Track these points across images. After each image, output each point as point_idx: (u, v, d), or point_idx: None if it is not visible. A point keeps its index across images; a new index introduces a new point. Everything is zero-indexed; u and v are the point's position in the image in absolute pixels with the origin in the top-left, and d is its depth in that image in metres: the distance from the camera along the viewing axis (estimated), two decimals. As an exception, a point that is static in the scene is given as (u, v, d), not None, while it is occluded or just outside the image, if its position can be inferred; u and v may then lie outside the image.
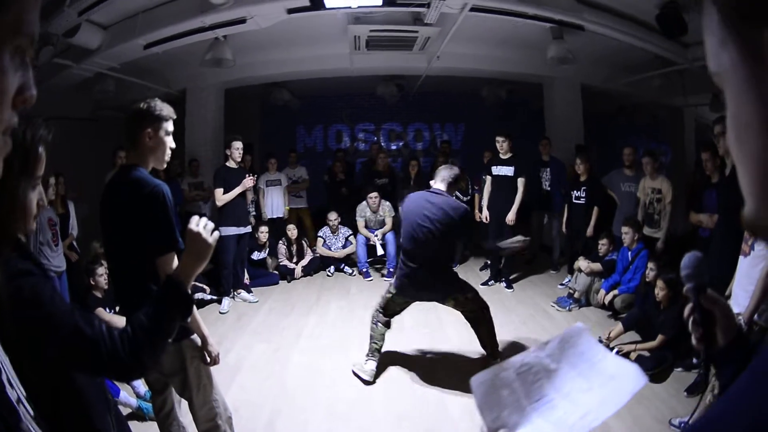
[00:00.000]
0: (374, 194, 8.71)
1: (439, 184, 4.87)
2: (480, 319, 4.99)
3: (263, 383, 4.90)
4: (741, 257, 3.61)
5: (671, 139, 12.65)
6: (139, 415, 4.25)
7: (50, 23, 5.81)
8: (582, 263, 7.11)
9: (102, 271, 5.58)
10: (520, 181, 7.46)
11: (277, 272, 8.60)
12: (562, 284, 7.93)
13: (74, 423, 1.49)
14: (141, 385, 4.35)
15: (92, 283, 5.59)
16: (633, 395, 1.34)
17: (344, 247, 9.05)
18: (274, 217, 9.25)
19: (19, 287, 1.35)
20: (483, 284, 7.75)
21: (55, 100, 8.06)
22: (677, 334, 4.82)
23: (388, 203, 8.87)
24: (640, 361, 4.77)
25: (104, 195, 2.77)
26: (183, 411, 3.11)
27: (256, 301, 7.40)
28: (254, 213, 8.50)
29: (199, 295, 6.81)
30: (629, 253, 6.66)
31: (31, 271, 1.40)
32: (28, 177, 1.42)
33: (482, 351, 5.16)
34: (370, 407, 4.48)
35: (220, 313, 6.89)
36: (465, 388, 4.51)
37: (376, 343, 4.99)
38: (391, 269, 8.58)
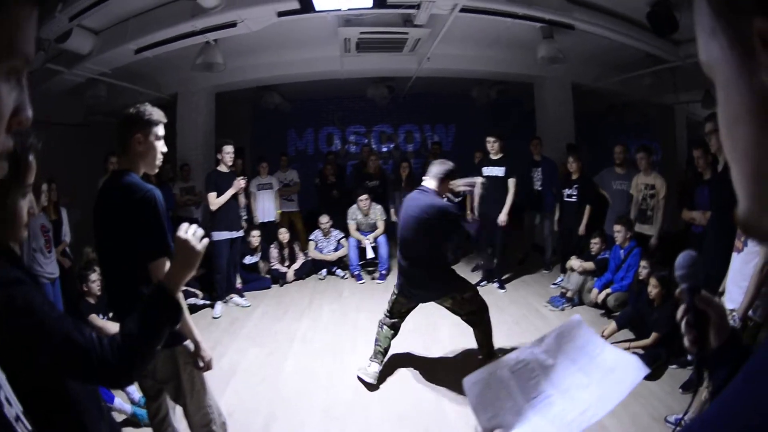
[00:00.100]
0: (364, 197, 8.70)
1: (429, 180, 4.83)
2: (478, 321, 4.98)
3: (257, 388, 4.89)
4: (734, 253, 3.63)
5: (662, 137, 12.73)
6: (133, 421, 4.25)
7: (42, 28, 5.78)
8: (574, 262, 7.12)
9: (95, 277, 5.55)
10: (511, 182, 7.45)
11: (269, 276, 8.58)
12: (554, 284, 7.95)
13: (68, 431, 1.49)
14: (135, 391, 4.33)
15: (85, 289, 5.56)
16: (633, 388, 1.33)
17: (336, 250, 9.02)
18: (266, 221, 9.24)
19: (10, 296, 1.34)
20: (475, 285, 7.74)
21: (46, 105, 8.03)
22: (671, 331, 4.84)
23: (379, 206, 8.87)
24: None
25: (97, 201, 2.77)
26: (178, 417, 3.10)
27: (249, 306, 7.38)
28: (246, 217, 8.48)
29: (191, 300, 6.79)
30: (621, 251, 6.68)
31: (23, 280, 1.39)
32: (18, 185, 1.41)
33: (476, 351, 5.15)
34: (366, 410, 4.48)
35: (213, 317, 6.87)
36: (460, 389, 4.52)
37: (379, 346, 4.98)
38: (383, 272, 8.59)
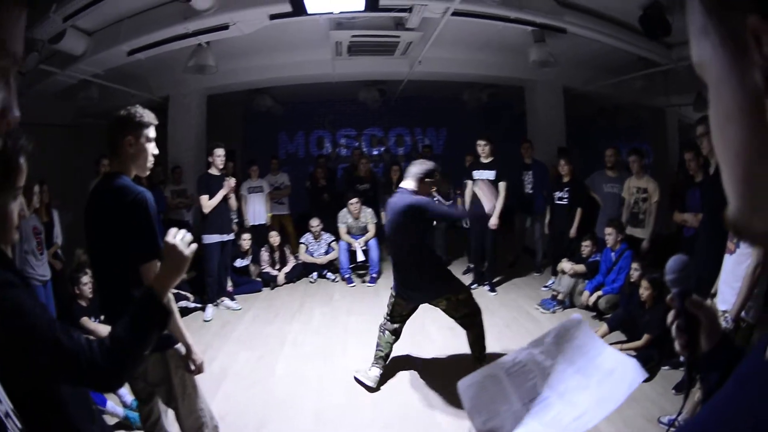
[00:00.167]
0: (354, 200, 8.69)
1: (407, 181, 4.76)
2: (470, 324, 4.97)
3: (249, 391, 4.87)
4: (726, 255, 3.65)
5: (653, 139, 12.78)
6: (126, 424, 4.24)
7: (36, 29, 5.76)
8: (565, 265, 7.13)
9: (86, 279, 5.54)
10: (502, 185, 7.44)
11: (260, 279, 8.57)
12: (545, 286, 7.96)
13: (58, 434, 1.49)
14: (127, 394, 4.32)
15: (77, 291, 5.54)
16: (630, 393, 1.32)
17: (327, 253, 9.01)
18: (257, 224, 9.23)
19: (0, 298, 1.33)
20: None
21: (39, 107, 8.01)
22: (663, 332, 4.85)
23: (370, 209, 8.86)
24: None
25: (88, 203, 2.76)
26: (170, 420, 3.09)
27: (240, 309, 7.36)
28: (237, 220, 8.46)
29: (182, 303, 6.75)
30: (613, 254, 6.70)
31: (13, 282, 1.38)
32: (8, 188, 1.41)
33: (468, 354, 5.15)
34: (358, 413, 4.47)
35: (204, 321, 6.85)
36: (452, 392, 4.51)
37: (380, 351, 4.96)
38: (374, 275, 8.59)
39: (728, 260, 3.64)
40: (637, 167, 6.86)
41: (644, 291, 5.35)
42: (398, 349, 5.34)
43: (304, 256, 8.95)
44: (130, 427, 4.21)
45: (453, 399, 4.46)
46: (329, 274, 8.98)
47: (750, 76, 0.50)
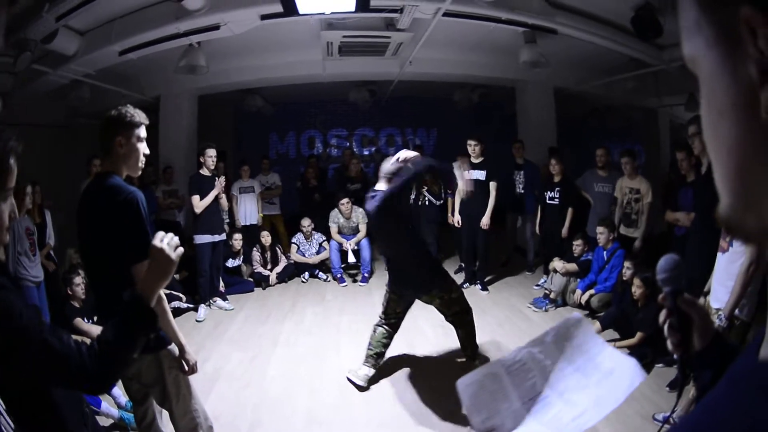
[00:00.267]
0: (345, 200, 8.69)
1: (380, 183, 4.75)
2: (462, 322, 4.98)
3: (242, 392, 4.87)
4: (719, 254, 3.67)
5: (645, 140, 12.82)
6: (121, 425, 4.23)
7: (28, 29, 5.75)
8: (557, 264, 7.15)
9: (79, 280, 5.52)
10: (492, 185, 7.48)
11: (251, 279, 8.55)
12: (537, 285, 7.98)
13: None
14: (122, 395, 4.30)
15: (70, 292, 5.52)
16: (630, 393, 1.33)
17: (318, 253, 9.00)
18: (248, 224, 9.20)
19: None
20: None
21: (31, 107, 7.99)
22: (656, 330, 4.86)
23: (360, 209, 8.84)
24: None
25: (80, 204, 2.75)
26: (164, 421, 3.08)
27: (232, 309, 7.34)
28: (228, 220, 8.44)
29: (175, 304, 6.74)
30: (605, 252, 6.72)
31: (3, 284, 1.38)
32: (-2, 189, 1.40)
33: (461, 353, 5.16)
34: (351, 413, 4.47)
35: (197, 321, 6.83)
36: (445, 391, 4.53)
37: (371, 349, 4.95)
38: (366, 275, 8.59)
39: (721, 259, 3.65)
40: (630, 168, 6.86)
41: (637, 289, 5.37)
42: (392, 348, 5.34)
43: (295, 256, 8.93)
44: (125, 428, 4.20)
45: (447, 397, 4.46)
46: (321, 274, 8.97)
47: (744, 70, 0.50)
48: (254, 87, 10.99)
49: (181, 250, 1.81)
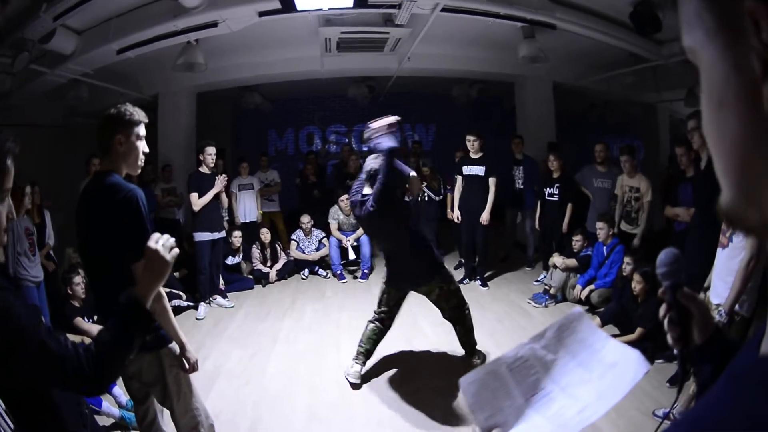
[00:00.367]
0: (345, 197, 8.67)
1: (366, 187, 4.78)
2: (460, 317, 4.98)
3: (242, 390, 4.87)
4: (719, 249, 3.66)
5: (644, 135, 12.81)
6: (122, 425, 4.23)
7: (26, 29, 5.74)
8: (557, 259, 7.16)
9: (78, 279, 5.52)
10: (492, 181, 7.48)
11: (251, 277, 8.55)
12: (537, 281, 7.99)
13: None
14: (123, 395, 4.29)
15: (69, 292, 5.52)
16: (633, 386, 1.32)
17: (317, 249, 9.00)
18: (247, 221, 9.19)
19: None
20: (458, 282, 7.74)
21: (29, 107, 7.98)
22: (656, 326, 4.86)
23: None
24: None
25: (79, 203, 2.74)
26: (166, 420, 3.08)
27: (232, 306, 7.34)
28: (227, 218, 8.44)
29: (175, 302, 6.73)
30: (604, 248, 6.72)
31: (1, 285, 1.38)
32: (-4, 190, 1.40)
33: (460, 351, 5.16)
34: (351, 410, 4.47)
35: (197, 319, 6.83)
36: (445, 388, 4.54)
37: (361, 346, 4.94)
38: (366, 271, 8.59)
39: (721, 254, 3.64)
40: (629, 166, 6.84)
41: (637, 285, 5.38)
42: (391, 346, 5.35)
43: (295, 253, 8.94)
44: (126, 427, 4.20)
45: (446, 395, 4.47)
46: (320, 271, 8.97)
47: (746, 62, 0.49)
48: (252, 84, 10.98)
49: (176, 251, 1.81)
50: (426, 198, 8.93)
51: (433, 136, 15.10)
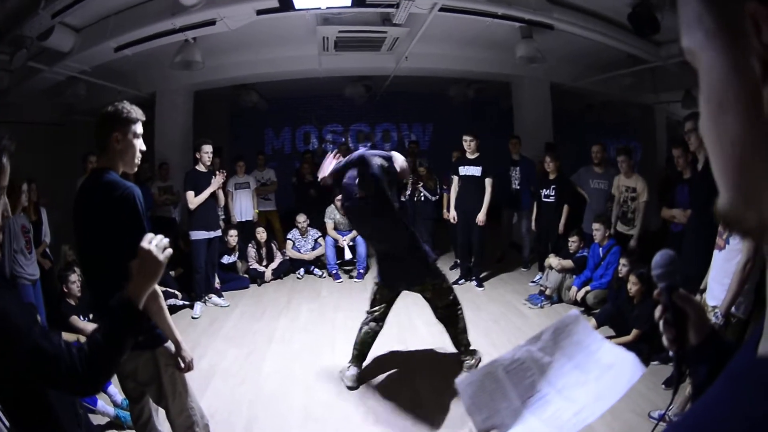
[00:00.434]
0: (341, 196, 8.67)
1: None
2: (452, 317, 4.97)
3: (238, 389, 4.87)
4: (716, 251, 3.67)
5: (642, 136, 12.83)
6: (117, 424, 4.22)
7: (24, 26, 5.74)
8: (553, 260, 7.16)
9: (74, 278, 5.51)
10: (488, 181, 7.48)
11: (247, 276, 8.54)
12: (533, 282, 7.97)
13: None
14: (118, 393, 4.29)
15: (65, 290, 5.50)
16: (630, 387, 1.32)
17: (313, 249, 9.00)
18: (243, 220, 9.17)
19: None
20: (453, 283, 7.65)
21: (27, 105, 7.97)
22: (652, 327, 4.86)
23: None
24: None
25: (76, 200, 2.74)
26: (161, 419, 3.08)
27: (227, 306, 7.33)
28: (223, 216, 8.43)
29: (171, 301, 6.73)
30: (600, 249, 6.72)
31: None
32: (-9, 188, 1.40)
33: (455, 351, 5.15)
34: (346, 410, 4.47)
35: (193, 318, 6.82)
36: (440, 387, 4.55)
37: (356, 349, 4.93)
38: (361, 271, 8.59)
39: (717, 256, 3.65)
40: (626, 167, 6.83)
41: (632, 286, 5.38)
42: (386, 345, 5.35)
43: (290, 252, 8.93)
44: (122, 426, 4.19)
45: (442, 395, 4.48)
46: (316, 270, 8.97)
47: (746, 64, 0.49)
48: (250, 82, 11.00)
49: (169, 251, 1.80)
50: (422, 198, 8.93)
51: (430, 135, 15.16)
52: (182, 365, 2.82)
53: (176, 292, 7.05)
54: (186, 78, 9.11)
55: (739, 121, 0.52)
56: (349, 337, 5.08)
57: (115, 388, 4.27)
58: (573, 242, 7.17)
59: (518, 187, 8.88)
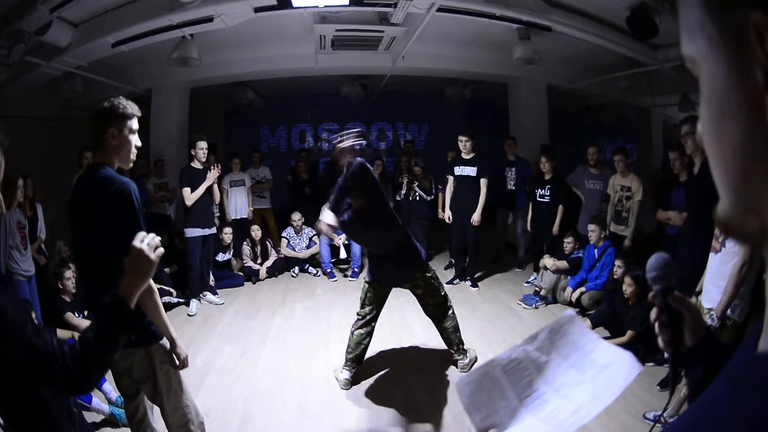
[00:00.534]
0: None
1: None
2: (443, 314, 4.97)
3: (233, 387, 4.86)
4: (711, 254, 3.68)
5: (638, 138, 12.86)
6: (112, 421, 4.21)
7: (22, 20, 5.72)
8: (548, 261, 7.16)
9: (69, 274, 5.49)
10: (483, 182, 7.48)
11: (241, 273, 8.53)
12: (528, 282, 7.99)
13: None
14: (113, 391, 4.28)
15: (60, 286, 5.48)
16: (627, 386, 1.32)
17: (308, 247, 9.00)
18: (238, 217, 9.17)
19: None
20: (448, 283, 7.71)
21: (23, 99, 7.95)
22: (647, 328, 4.88)
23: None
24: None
25: (72, 196, 2.72)
26: (156, 417, 3.07)
27: (222, 303, 7.33)
28: (218, 214, 8.42)
29: (165, 299, 6.71)
30: (596, 250, 6.73)
31: None
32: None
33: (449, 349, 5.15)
34: (341, 408, 4.48)
35: (189, 315, 6.82)
36: (434, 386, 4.55)
37: (350, 352, 4.89)
38: (356, 269, 8.60)
39: (713, 259, 3.66)
40: (622, 166, 6.84)
41: (628, 288, 5.39)
42: (381, 344, 5.36)
43: (285, 251, 8.93)
44: (116, 424, 4.18)
45: (435, 392, 4.49)
46: (311, 269, 8.97)
47: (749, 73, 0.49)
48: (246, 80, 10.98)
49: (161, 250, 1.80)
50: (417, 197, 8.93)
51: (426, 135, 15.17)
52: (177, 362, 2.81)
53: (171, 290, 7.03)
54: (182, 75, 9.12)
55: (740, 128, 0.52)
56: (344, 336, 5.08)
57: (110, 386, 4.26)
58: (568, 243, 7.18)
59: (513, 188, 8.88)
